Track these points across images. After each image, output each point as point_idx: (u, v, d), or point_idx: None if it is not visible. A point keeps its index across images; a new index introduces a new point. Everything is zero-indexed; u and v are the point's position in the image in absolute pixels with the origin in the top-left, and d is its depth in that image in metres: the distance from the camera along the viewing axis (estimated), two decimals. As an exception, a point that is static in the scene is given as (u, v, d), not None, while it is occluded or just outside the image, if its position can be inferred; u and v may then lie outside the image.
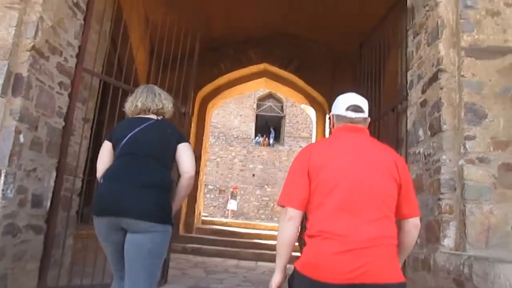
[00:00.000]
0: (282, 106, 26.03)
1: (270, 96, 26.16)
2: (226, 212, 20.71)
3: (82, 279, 4.10)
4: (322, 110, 10.13)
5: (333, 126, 1.95)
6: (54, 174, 3.33)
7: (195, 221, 9.88)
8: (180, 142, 2.38)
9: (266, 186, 23.15)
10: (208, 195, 22.48)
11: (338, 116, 1.92)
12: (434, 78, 2.89)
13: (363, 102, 1.92)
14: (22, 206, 2.96)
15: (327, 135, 9.66)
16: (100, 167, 2.36)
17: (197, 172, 10.24)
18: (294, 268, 1.72)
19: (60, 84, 3.30)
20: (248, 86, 11.05)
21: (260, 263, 7.78)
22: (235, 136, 25.09)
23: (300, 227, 1.81)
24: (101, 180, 2.26)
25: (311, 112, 10.67)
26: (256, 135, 25.43)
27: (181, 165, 2.35)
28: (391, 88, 6.79)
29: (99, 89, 4.38)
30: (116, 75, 4.61)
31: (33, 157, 3.04)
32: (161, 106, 2.51)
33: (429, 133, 2.93)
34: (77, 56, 3.81)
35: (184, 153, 2.37)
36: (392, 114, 4.26)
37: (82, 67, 3.91)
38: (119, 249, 2.18)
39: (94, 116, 4.40)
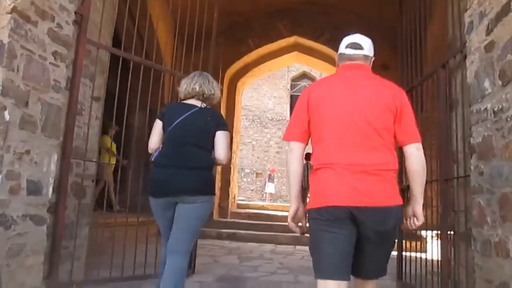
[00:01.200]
0: (316, 85, 25.19)
1: (304, 76, 25.44)
2: (264, 195, 20.35)
3: (102, 272, 3.77)
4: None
5: (337, 66, 2.05)
6: (55, 157, 2.95)
7: (230, 205, 9.50)
8: (218, 129, 2.69)
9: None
10: (245, 179, 22.18)
11: (340, 54, 2.03)
12: (505, 10, 2.25)
13: (363, 40, 2.00)
14: (15, 194, 2.58)
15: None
16: (151, 144, 2.75)
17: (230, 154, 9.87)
18: (307, 211, 1.89)
19: (55, 54, 2.89)
20: (279, 62, 10.44)
21: (298, 247, 7.30)
22: (269, 118, 24.56)
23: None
24: (154, 162, 2.66)
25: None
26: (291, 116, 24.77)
27: (215, 152, 2.68)
28: (434, 52, 6.04)
29: (115, 64, 3.96)
30: (136, 51, 4.19)
31: (25, 138, 2.65)
32: (213, 92, 2.89)
33: (499, 82, 2.31)
34: (77, 23, 3.39)
35: (219, 140, 2.68)
36: (442, 72, 3.60)
37: (85, 37, 3.49)
38: (170, 221, 2.62)
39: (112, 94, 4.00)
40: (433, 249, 6.40)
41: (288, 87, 25.26)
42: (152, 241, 4.33)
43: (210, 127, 2.68)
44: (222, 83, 9.24)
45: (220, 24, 8.13)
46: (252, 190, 22.13)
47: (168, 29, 8.31)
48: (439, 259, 3.58)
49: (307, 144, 1.96)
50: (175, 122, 2.64)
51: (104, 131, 7.94)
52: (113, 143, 8.33)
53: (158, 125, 2.76)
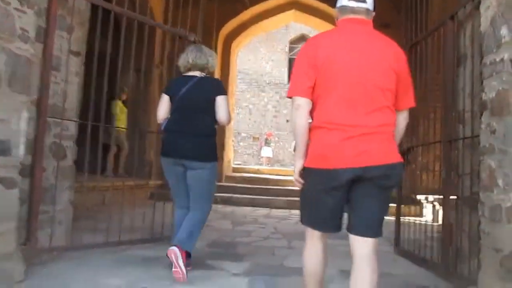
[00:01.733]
0: (316, 47, 24.63)
1: (302, 38, 24.78)
2: (261, 159, 20.22)
3: (87, 237, 3.60)
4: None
5: (337, 19, 2.01)
6: (25, 114, 2.68)
7: (224, 169, 9.32)
8: (218, 95, 3.00)
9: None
10: (241, 143, 22.00)
11: (341, 7, 1.97)
12: None
13: None
14: (-22, 155, 2.35)
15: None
16: (160, 115, 3.12)
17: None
18: (304, 167, 1.91)
19: (20, -1, 2.58)
20: (276, 21, 10.01)
21: (293, 211, 7.17)
22: (267, 82, 24.14)
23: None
24: (164, 129, 3.05)
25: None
26: (289, 80, 24.32)
27: (217, 115, 2.99)
28: (440, 6, 5.69)
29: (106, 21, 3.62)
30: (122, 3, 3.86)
31: (-13, 93, 2.39)
32: (206, 61, 3.13)
33: (519, 29, 2.04)
34: (49, -33, 3.06)
35: (219, 104, 2.98)
36: (450, 24, 3.31)
37: (57, -18, 3.16)
38: (179, 179, 2.99)
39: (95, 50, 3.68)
40: (431, 214, 6.28)
41: (287, 49, 24.70)
42: (144, 205, 4.16)
43: (211, 94, 3.00)
44: (215, 43, 8.88)
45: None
46: (248, 154, 21.99)
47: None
48: (440, 224, 3.41)
49: (312, 99, 1.92)
50: (180, 94, 3.00)
51: (113, 95, 7.77)
52: (124, 108, 8.14)
53: (164, 98, 3.13)
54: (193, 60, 3.11)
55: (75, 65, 3.59)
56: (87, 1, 3.56)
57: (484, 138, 2.35)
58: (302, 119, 1.89)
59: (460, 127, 3.17)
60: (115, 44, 3.95)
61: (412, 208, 7.69)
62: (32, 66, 2.77)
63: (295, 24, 22.11)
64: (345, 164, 1.78)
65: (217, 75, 8.99)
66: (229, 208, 7.41)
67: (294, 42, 24.81)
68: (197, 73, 3.09)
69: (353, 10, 1.94)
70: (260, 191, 8.60)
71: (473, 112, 2.88)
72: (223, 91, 3.05)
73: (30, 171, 3.06)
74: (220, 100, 2.99)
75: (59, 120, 3.32)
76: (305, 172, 1.92)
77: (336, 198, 1.86)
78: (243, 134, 22.27)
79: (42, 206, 3.18)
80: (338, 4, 2.00)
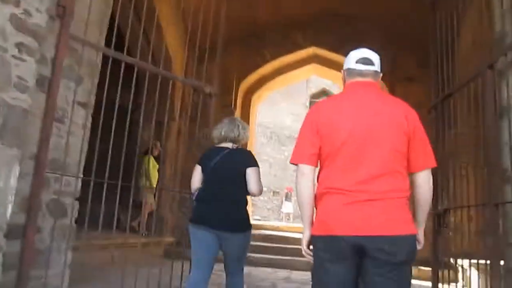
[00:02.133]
0: (336, 102, 24.61)
1: (323, 92, 24.91)
2: (281, 214, 19.63)
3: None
4: (382, 96, 8.79)
5: (344, 81, 1.98)
6: (17, 169, 2.44)
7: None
8: (248, 167, 3.04)
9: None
10: (261, 198, 21.52)
11: (348, 70, 1.95)
12: None
13: (373, 55, 1.94)
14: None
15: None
16: (193, 185, 3.20)
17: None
18: (311, 237, 1.82)
19: (20, 45, 2.40)
20: (296, 74, 9.91)
21: (315, 275, 6.61)
22: (287, 135, 24.00)
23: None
24: (195, 200, 3.14)
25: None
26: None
27: (248, 186, 3.03)
28: (466, 59, 5.43)
29: (107, 66, 3.44)
30: (142, 56, 3.72)
31: (-26, 146, 2.15)
32: (237, 134, 3.17)
33: None
34: (59, 17, 2.93)
35: (250, 176, 3.02)
36: (489, 73, 2.99)
37: (67, 31, 3.02)
38: (207, 247, 2.95)
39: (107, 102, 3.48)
40: (468, 280, 5.66)
41: (307, 104, 24.70)
42: (158, 264, 3.79)
43: (242, 166, 3.05)
44: (236, 96, 8.76)
45: (234, 33, 7.69)
46: (269, 209, 21.44)
47: (179, 35, 7.89)
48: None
49: (317, 166, 1.86)
50: (211, 165, 3.06)
51: (145, 151, 7.70)
52: (156, 164, 8.01)
53: (197, 168, 3.20)
54: (226, 132, 3.19)
55: (82, 117, 3.39)
56: (98, 51, 3.41)
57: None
58: (306, 188, 1.84)
59: (507, 188, 2.76)
60: (127, 95, 3.76)
61: (446, 272, 7.07)
62: (28, 117, 2.55)
63: (316, 78, 22.32)
64: (347, 231, 1.68)
65: (236, 128, 8.84)
66: (246, 269, 6.90)
67: (315, 96, 24.86)
68: (229, 145, 3.16)
69: (361, 74, 1.91)
70: (280, 250, 8.08)
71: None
72: (254, 162, 3.11)
73: (23, 231, 2.77)
74: (250, 172, 3.04)
75: (59, 176, 3.06)
76: (312, 241, 1.84)
77: (344, 270, 1.71)
78: (263, 189, 21.84)
79: (34, 271, 2.86)
80: (345, 66, 1.97)
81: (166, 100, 4.07)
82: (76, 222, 3.41)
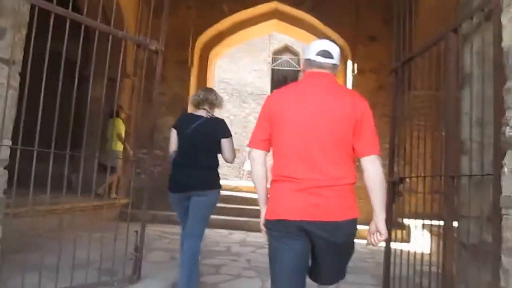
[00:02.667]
0: (299, 60, 24.32)
1: (286, 49, 24.58)
2: (242, 172, 19.62)
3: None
4: (344, 56, 8.59)
5: (303, 70, 2.07)
6: None
7: (199, 187, 8.72)
8: (223, 137, 3.30)
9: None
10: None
11: (308, 60, 2.02)
12: None
13: (333, 48, 2.00)
14: None
15: (349, 86, 8.18)
16: (170, 149, 3.45)
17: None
18: (266, 219, 1.96)
19: None
20: (256, 30, 9.53)
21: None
22: (249, 92, 23.70)
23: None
24: (172, 163, 3.40)
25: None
26: (272, 91, 23.86)
27: (223, 155, 3.34)
28: (426, 25, 5.28)
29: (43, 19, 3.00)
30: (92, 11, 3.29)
31: None
32: (215, 97, 3.45)
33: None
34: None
35: (224, 146, 3.30)
36: (453, 37, 2.81)
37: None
38: (185, 210, 3.28)
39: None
40: (419, 240, 5.78)
41: (269, 60, 24.32)
42: (110, 229, 3.56)
43: (215, 135, 3.30)
44: (192, 52, 8.32)
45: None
46: (229, 166, 21.37)
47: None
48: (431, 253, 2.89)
49: (268, 151, 2.01)
50: (188, 132, 3.30)
51: (111, 114, 7.24)
52: (124, 126, 7.60)
53: (173, 133, 3.45)
54: (204, 96, 3.43)
55: (6, 76, 2.98)
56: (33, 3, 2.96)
57: (508, 185, 1.84)
58: (258, 169, 2.01)
59: (464, 159, 2.66)
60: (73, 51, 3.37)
61: (399, 232, 7.24)
62: None
63: (278, 34, 21.84)
64: (293, 216, 1.82)
65: (193, 85, 8.44)
66: (201, 232, 6.81)
67: (277, 52, 24.48)
68: (204, 113, 3.39)
69: (320, 66, 1.98)
70: (237, 212, 8.04)
71: (483, 143, 2.37)
72: (228, 133, 3.37)
73: None
74: (225, 142, 3.31)
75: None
76: (266, 223, 1.97)
77: (295, 245, 1.86)
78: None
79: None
80: (306, 56, 2.03)
81: (118, 56, 3.67)
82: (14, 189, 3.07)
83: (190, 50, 8.22)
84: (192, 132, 3.27)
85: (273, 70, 24.45)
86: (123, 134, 7.54)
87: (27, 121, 3.07)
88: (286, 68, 24.84)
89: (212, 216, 7.56)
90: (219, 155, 3.35)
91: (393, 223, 3.86)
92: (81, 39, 3.26)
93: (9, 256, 3.42)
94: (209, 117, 3.36)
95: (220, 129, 3.33)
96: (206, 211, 3.30)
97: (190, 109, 8.20)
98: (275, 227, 1.88)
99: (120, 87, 7.93)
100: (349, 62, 8.29)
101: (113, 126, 7.29)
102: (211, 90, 3.57)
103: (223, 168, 21.00)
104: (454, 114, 2.76)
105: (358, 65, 7.95)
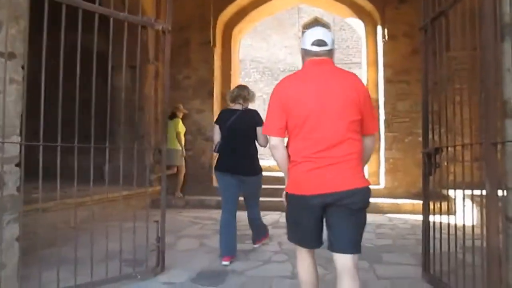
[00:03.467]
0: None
1: (316, 22, 23.78)
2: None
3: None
4: (373, 21, 8.10)
5: (303, 58, 2.26)
6: None
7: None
8: (257, 126, 3.93)
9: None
10: (257, 135, 21.22)
11: (305, 50, 2.23)
12: None
13: (326, 36, 2.20)
14: None
15: (380, 53, 7.71)
16: (215, 141, 4.15)
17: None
18: (286, 192, 2.26)
19: None
20: (281, 2, 9.11)
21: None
22: (281, 69, 23.23)
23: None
24: (217, 152, 4.12)
25: (359, 25, 8.64)
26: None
27: (258, 141, 4.00)
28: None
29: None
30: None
31: None
32: (248, 93, 4.12)
33: None
34: None
35: (259, 133, 3.92)
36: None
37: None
38: (232, 189, 3.95)
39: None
40: (464, 212, 5.39)
41: (300, 35, 23.67)
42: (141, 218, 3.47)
43: (252, 125, 3.92)
44: (214, 32, 8.08)
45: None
46: (265, 147, 21.21)
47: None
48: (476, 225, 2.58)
49: (284, 137, 2.21)
50: (228, 124, 3.94)
51: (170, 115, 7.50)
52: (184, 127, 7.77)
53: (216, 127, 4.10)
54: (237, 92, 4.10)
55: (9, 70, 2.87)
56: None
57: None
58: (280, 156, 2.23)
59: (509, 123, 2.31)
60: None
61: (442, 204, 6.83)
62: None
63: (307, 7, 21.17)
64: (313, 191, 2.08)
65: (217, 67, 8.22)
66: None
67: (307, 26, 23.77)
68: (239, 106, 4.05)
69: (316, 54, 2.18)
70: (271, 192, 7.78)
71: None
72: (261, 121, 3.88)
73: None
74: (259, 129, 3.89)
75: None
76: (287, 197, 2.24)
77: (312, 219, 2.16)
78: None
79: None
80: (302, 47, 2.24)
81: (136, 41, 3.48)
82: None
83: (212, 29, 7.97)
84: (231, 124, 3.93)
85: (304, 45, 23.79)
86: (182, 134, 7.64)
87: (46, 116, 3.00)
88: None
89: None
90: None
91: (432, 194, 3.54)
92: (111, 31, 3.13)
93: (43, 251, 3.37)
94: (243, 109, 4.02)
95: (255, 118, 3.97)
96: (258, 190, 4.22)
97: (218, 98, 8.01)
98: (295, 201, 2.17)
99: (142, 74, 7.90)
100: (379, 28, 7.79)
101: (172, 127, 7.47)
102: (244, 87, 4.17)
103: (259, 149, 20.85)
104: (494, 72, 2.39)
105: (389, 30, 7.44)
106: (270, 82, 22.71)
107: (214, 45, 8.05)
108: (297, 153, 2.14)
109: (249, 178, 3.99)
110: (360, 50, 21.29)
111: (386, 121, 7.47)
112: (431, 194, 3.57)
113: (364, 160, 2.23)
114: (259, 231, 4.46)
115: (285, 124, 2.16)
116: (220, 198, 4.10)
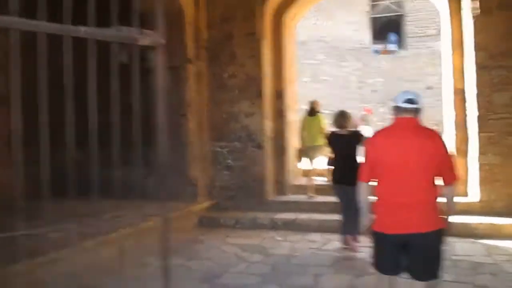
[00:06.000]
0: (399, 3, 21.25)
1: (385, -6, 21.66)
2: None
3: None
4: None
5: (393, 115, 2.77)
6: None
7: (288, 177, 7.46)
8: (359, 144, 4.95)
9: (390, 102, 19.39)
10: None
11: (396, 107, 2.71)
12: None
13: (416, 97, 2.69)
14: None
15: (469, 32, 6.13)
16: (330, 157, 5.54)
17: (282, 113, 7.66)
18: (372, 229, 2.73)
19: None
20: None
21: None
22: (348, 48, 21.42)
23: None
24: (331, 164, 5.43)
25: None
26: (373, 43, 21.31)
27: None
28: None
29: None
30: None
31: None
32: (344, 121, 5.23)
33: None
34: None
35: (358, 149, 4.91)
36: None
37: None
38: (347, 197, 4.71)
39: None
40: None
41: (367, 9, 21.66)
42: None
43: (355, 145, 4.99)
44: (261, 20, 6.94)
45: None
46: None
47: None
48: None
49: (370, 181, 2.80)
50: (339, 145, 5.23)
51: (309, 112, 7.43)
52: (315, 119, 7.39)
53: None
54: (338, 122, 5.24)
55: None
56: None
57: None
58: (364, 196, 2.83)
59: None
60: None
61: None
62: None
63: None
64: (393, 230, 2.59)
65: (267, 62, 7.08)
66: (291, 238, 5.64)
67: (375, -1, 21.70)
68: (345, 131, 5.19)
69: (406, 110, 2.65)
70: (335, 206, 6.59)
71: None
72: (361, 142, 4.91)
73: None
74: (358, 147, 4.90)
75: None
76: (373, 233, 2.73)
77: (393, 252, 2.63)
78: (325, 111, 20.04)
79: None
80: (394, 104, 2.73)
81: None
82: None
83: (257, 18, 6.85)
84: (341, 144, 5.14)
85: (372, 20, 21.77)
86: (325, 130, 7.01)
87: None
88: (387, 15, 21.94)
89: (304, 216, 6.40)
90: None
91: None
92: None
93: None
94: (348, 133, 5.16)
95: (356, 139, 5.07)
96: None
97: (268, 98, 6.90)
98: (381, 237, 2.66)
99: (183, 75, 7.00)
100: (466, 0, 6.18)
101: (317, 123, 7.19)
102: (343, 115, 5.27)
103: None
104: None
105: (481, 1, 5.81)
106: (336, 63, 21.05)
107: (262, 36, 6.91)
108: (383, 196, 2.66)
109: (350, 187, 4.23)
110: (435, 20, 19.15)
111: (479, 118, 5.91)
112: None
113: (448, 205, 2.73)
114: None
115: (372, 172, 2.72)
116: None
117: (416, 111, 2.65)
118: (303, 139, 7.37)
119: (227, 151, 7.11)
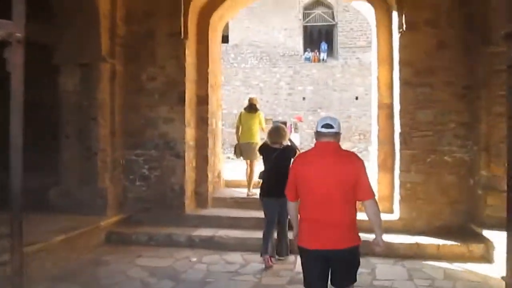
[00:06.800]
0: (332, 13, 21.68)
1: (318, 3, 22.03)
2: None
3: None
4: (385, 5, 6.41)
5: (315, 139, 2.96)
6: None
7: (209, 188, 6.98)
8: (292, 157, 4.78)
9: (319, 110, 19.68)
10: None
11: (317, 132, 2.92)
12: None
13: (334, 121, 2.91)
14: None
15: (395, 39, 6.05)
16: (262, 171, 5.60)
17: (205, 120, 7.17)
18: (298, 244, 2.95)
19: None
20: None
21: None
22: (281, 54, 21.49)
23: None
24: (262, 178, 5.44)
25: (368, 11, 6.95)
26: (305, 50, 21.52)
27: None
28: None
29: None
30: None
31: None
32: (280, 137, 5.25)
33: None
34: None
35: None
36: None
37: None
38: (274, 210, 5.07)
39: None
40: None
41: (300, 16, 21.87)
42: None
43: (289, 159, 4.86)
44: (186, 20, 6.41)
45: None
46: (262, 139, 19.58)
47: None
48: None
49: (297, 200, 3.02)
50: (272, 158, 5.19)
51: (248, 108, 7.30)
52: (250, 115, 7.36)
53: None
54: (274, 138, 5.26)
55: None
56: None
57: None
58: (293, 213, 3.10)
59: None
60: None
61: (474, 247, 5.25)
62: None
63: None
64: (314, 246, 2.80)
65: (191, 64, 6.56)
66: (207, 259, 5.16)
67: (308, 7, 22.02)
68: (278, 145, 5.23)
69: (325, 135, 2.86)
70: (257, 223, 6.18)
71: None
72: (294, 155, 4.92)
73: None
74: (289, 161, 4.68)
75: None
76: (298, 248, 2.94)
77: (317, 267, 2.83)
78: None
79: None
80: (315, 130, 2.95)
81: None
82: None
83: (181, 18, 6.30)
84: (275, 158, 5.15)
85: (305, 28, 21.95)
86: (264, 126, 7.33)
87: None
88: (319, 24, 22.24)
89: (224, 232, 5.91)
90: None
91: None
92: None
93: None
94: (282, 147, 5.24)
95: (291, 154, 5.09)
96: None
97: (191, 104, 6.37)
98: (306, 252, 2.86)
99: (95, 74, 6.28)
100: (394, 14, 6.09)
101: (257, 120, 7.26)
102: (278, 132, 5.28)
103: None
104: None
105: (407, 16, 5.73)
106: (268, 69, 20.96)
107: (186, 36, 6.38)
108: (304, 214, 2.90)
109: (280, 199, 4.32)
110: (365, 32, 19.71)
111: (402, 135, 5.83)
112: None
113: (373, 222, 2.90)
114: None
115: (296, 191, 2.96)
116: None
117: (335, 135, 2.84)
118: (239, 135, 7.27)
119: (143, 159, 6.48)
